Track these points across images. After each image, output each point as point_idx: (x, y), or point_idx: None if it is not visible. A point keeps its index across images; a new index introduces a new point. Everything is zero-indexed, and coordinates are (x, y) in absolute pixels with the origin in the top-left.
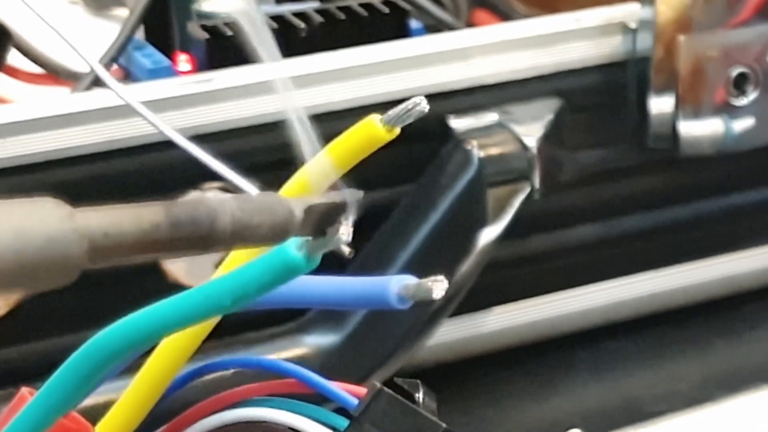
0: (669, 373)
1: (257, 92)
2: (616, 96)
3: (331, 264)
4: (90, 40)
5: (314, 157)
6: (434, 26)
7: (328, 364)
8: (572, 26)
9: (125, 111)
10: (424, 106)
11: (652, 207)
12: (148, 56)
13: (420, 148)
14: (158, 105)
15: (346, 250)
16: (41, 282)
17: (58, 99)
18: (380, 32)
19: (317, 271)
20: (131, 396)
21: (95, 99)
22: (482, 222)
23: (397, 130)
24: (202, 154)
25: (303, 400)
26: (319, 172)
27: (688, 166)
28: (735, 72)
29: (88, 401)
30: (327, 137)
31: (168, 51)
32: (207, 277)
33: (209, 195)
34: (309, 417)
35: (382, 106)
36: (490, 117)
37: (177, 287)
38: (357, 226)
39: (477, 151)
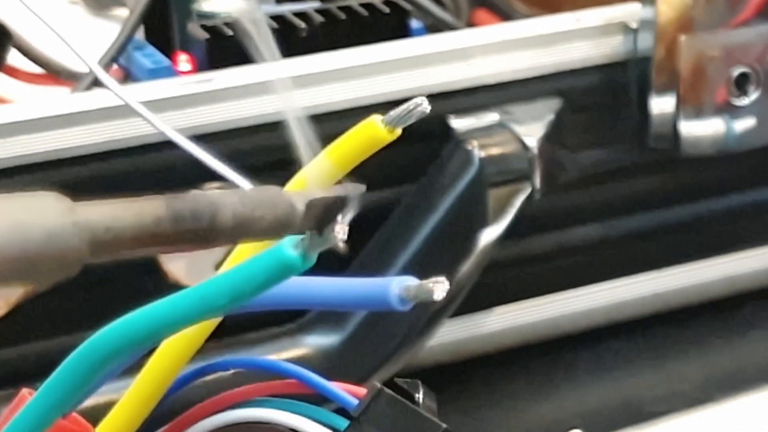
0: (670, 374)
1: (257, 92)
2: (617, 96)
3: (332, 265)
4: (90, 40)
5: (314, 158)
6: (435, 26)
7: (329, 364)
8: (573, 26)
9: (125, 111)
10: (426, 106)
11: (653, 207)
12: (148, 56)
13: (421, 149)
14: (158, 105)
15: (342, 246)
16: (43, 276)
17: (58, 99)
18: (381, 32)
19: (318, 272)
20: (132, 396)
21: (95, 99)
22: (483, 222)
23: (399, 131)
24: (202, 154)
25: (303, 401)
26: (319, 173)
27: (689, 166)
28: (736, 72)
29: (89, 402)
30: (327, 137)
31: (168, 51)
32: (207, 277)
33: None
34: (309, 417)
35: (383, 107)
36: (491, 117)
37: (177, 287)
38: (357, 227)
39: (478, 151)
